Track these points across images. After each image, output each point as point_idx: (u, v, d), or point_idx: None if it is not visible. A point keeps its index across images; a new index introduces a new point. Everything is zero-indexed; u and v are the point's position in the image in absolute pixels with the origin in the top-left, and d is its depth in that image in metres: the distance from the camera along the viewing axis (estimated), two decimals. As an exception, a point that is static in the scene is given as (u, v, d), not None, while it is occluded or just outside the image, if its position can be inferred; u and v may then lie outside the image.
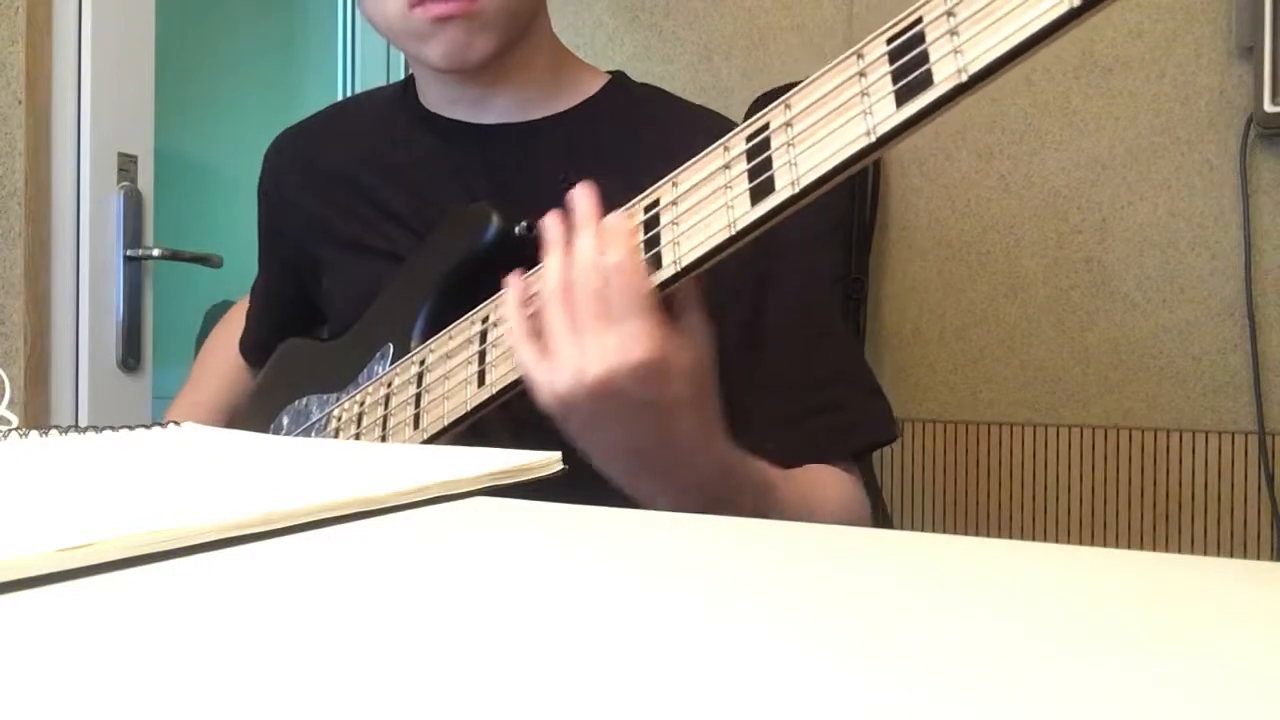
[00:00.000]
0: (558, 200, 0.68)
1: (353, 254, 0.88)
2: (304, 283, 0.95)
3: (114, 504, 0.38)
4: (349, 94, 2.26)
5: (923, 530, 1.81)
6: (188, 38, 1.92)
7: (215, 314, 1.18)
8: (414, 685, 0.21)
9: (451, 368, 0.70)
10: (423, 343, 0.73)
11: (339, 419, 0.78)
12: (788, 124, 0.55)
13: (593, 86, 0.87)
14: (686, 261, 0.58)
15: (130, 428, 0.58)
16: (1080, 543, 1.63)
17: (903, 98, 0.50)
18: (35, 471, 0.47)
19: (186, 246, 1.58)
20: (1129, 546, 1.70)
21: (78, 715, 0.20)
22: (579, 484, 0.48)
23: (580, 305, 0.59)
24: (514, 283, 0.65)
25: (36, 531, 0.31)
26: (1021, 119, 1.76)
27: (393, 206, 0.87)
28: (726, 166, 0.57)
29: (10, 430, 0.57)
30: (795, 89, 0.55)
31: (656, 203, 0.60)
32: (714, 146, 0.58)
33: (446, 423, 0.69)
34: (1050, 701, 0.20)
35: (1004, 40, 0.47)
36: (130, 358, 1.48)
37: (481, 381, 0.67)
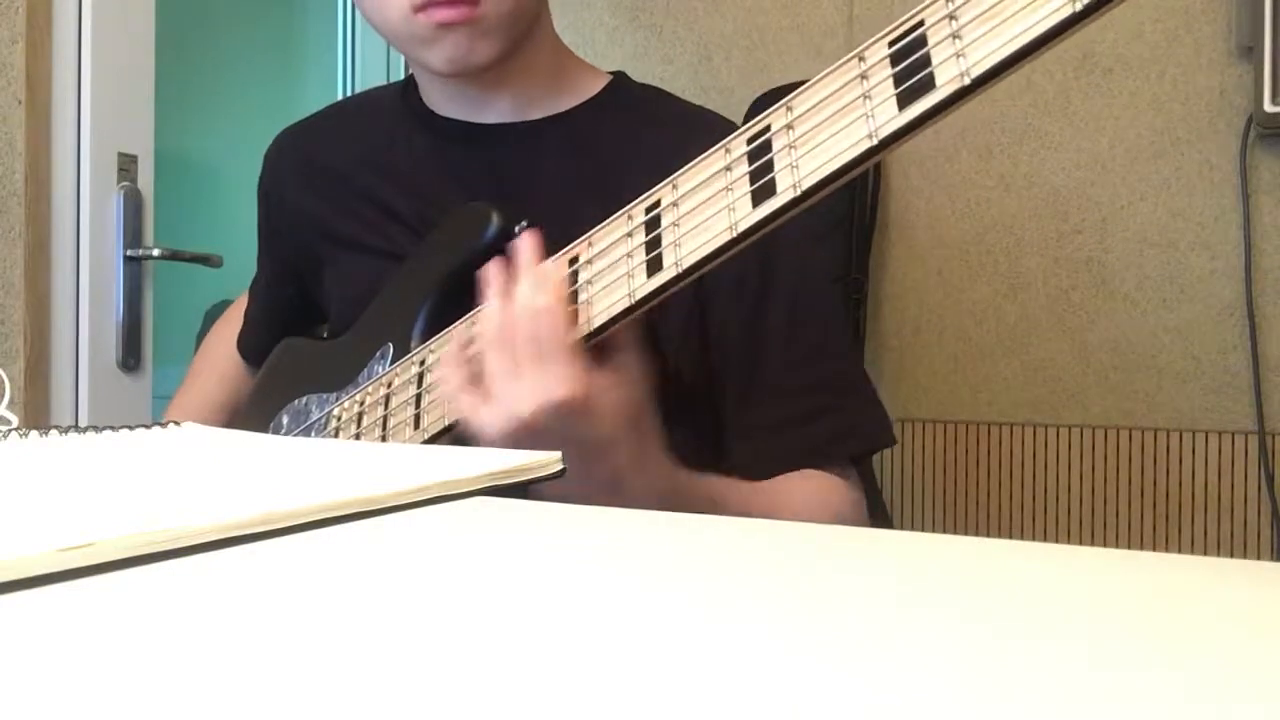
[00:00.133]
0: (559, 201, 0.68)
1: (353, 253, 0.88)
2: (304, 282, 0.95)
3: (114, 504, 0.38)
4: (349, 94, 2.26)
5: (923, 530, 1.82)
6: (188, 38, 1.92)
7: (215, 314, 1.18)
8: (414, 685, 0.21)
9: None
10: (423, 343, 0.73)
11: (339, 419, 0.78)
12: (789, 126, 0.55)
13: (594, 86, 0.87)
14: (688, 263, 0.58)
15: (130, 428, 0.58)
16: (1080, 543, 1.63)
17: (905, 101, 0.50)
18: (35, 471, 0.47)
19: (186, 246, 1.58)
20: (1129, 546, 1.70)
21: (78, 715, 0.20)
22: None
23: (517, 348, 0.62)
24: (455, 334, 0.69)
25: (37, 531, 0.31)
26: (1021, 119, 1.76)
27: (393, 206, 0.87)
28: (728, 168, 0.57)
29: (10, 430, 0.57)
30: (797, 91, 0.55)
31: (657, 204, 0.60)
32: (715, 148, 0.58)
33: (447, 422, 0.69)
34: (1050, 702, 0.20)
35: (1007, 44, 0.47)
36: (130, 358, 1.48)
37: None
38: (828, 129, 0.53)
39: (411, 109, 0.89)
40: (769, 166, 0.55)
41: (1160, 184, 1.69)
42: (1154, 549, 1.62)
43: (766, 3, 1.92)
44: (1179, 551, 1.63)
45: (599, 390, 0.61)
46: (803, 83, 0.55)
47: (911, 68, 0.50)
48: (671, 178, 0.60)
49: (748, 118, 0.58)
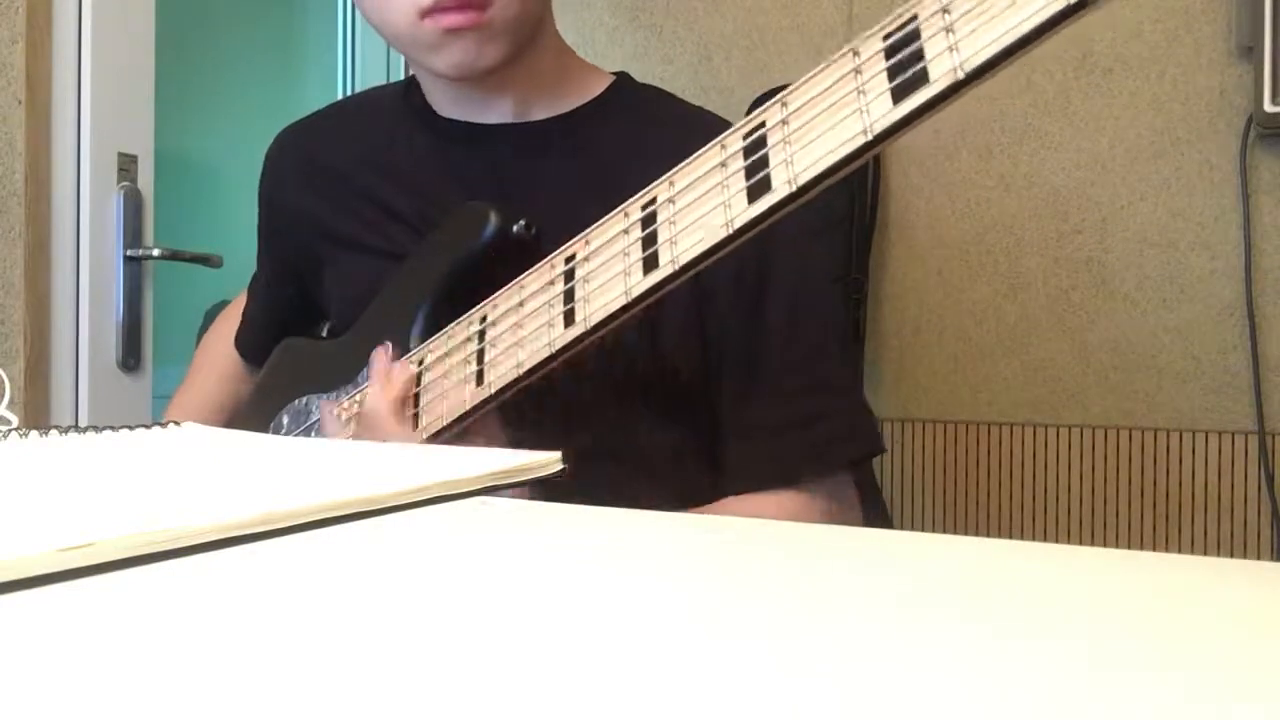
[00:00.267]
0: (560, 201, 0.68)
1: (353, 253, 0.88)
2: (303, 282, 0.95)
3: (114, 504, 0.38)
4: (349, 94, 2.26)
5: (923, 530, 1.81)
6: (188, 38, 1.92)
7: (215, 314, 1.18)
8: (414, 685, 0.21)
9: (450, 367, 0.70)
10: (422, 342, 0.73)
11: (338, 418, 0.78)
12: (784, 122, 0.55)
13: (597, 87, 0.87)
14: (684, 260, 0.58)
15: (130, 428, 0.58)
16: (1080, 543, 1.63)
17: (899, 95, 0.50)
18: (35, 471, 0.47)
19: (186, 246, 1.58)
20: (1129, 546, 1.70)
21: (78, 715, 0.20)
22: (579, 484, 0.48)
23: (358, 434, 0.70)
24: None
25: (37, 531, 0.31)
26: (1021, 119, 1.76)
27: (394, 206, 0.86)
28: (723, 165, 0.57)
29: (10, 430, 0.57)
30: (792, 86, 0.55)
31: (653, 201, 0.60)
32: (711, 145, 0.58)
33: (445, 422, 0.69)
34: (1050, 702, 0.20)
35: (1000, 37, 0.47)
36: (130, 358, 1.48)
37: (480, 380, 0.67)
38: (822, 124, 0.53)
39: (413, 109, 0.89)
40: (764, 162, 0.55)
41: (1160, 184, 1.69)
42: (1154, 549, 1.62)
43: (766, 3, 1.92)
44: (1179, 551, 1.63)
45: None
46: (802, 82, 0.55)
47: (905, 62, 0.50)
48: (668, 174, 0.60)
49: (747, 118, 0.58)
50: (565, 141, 0.83)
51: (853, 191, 1.75)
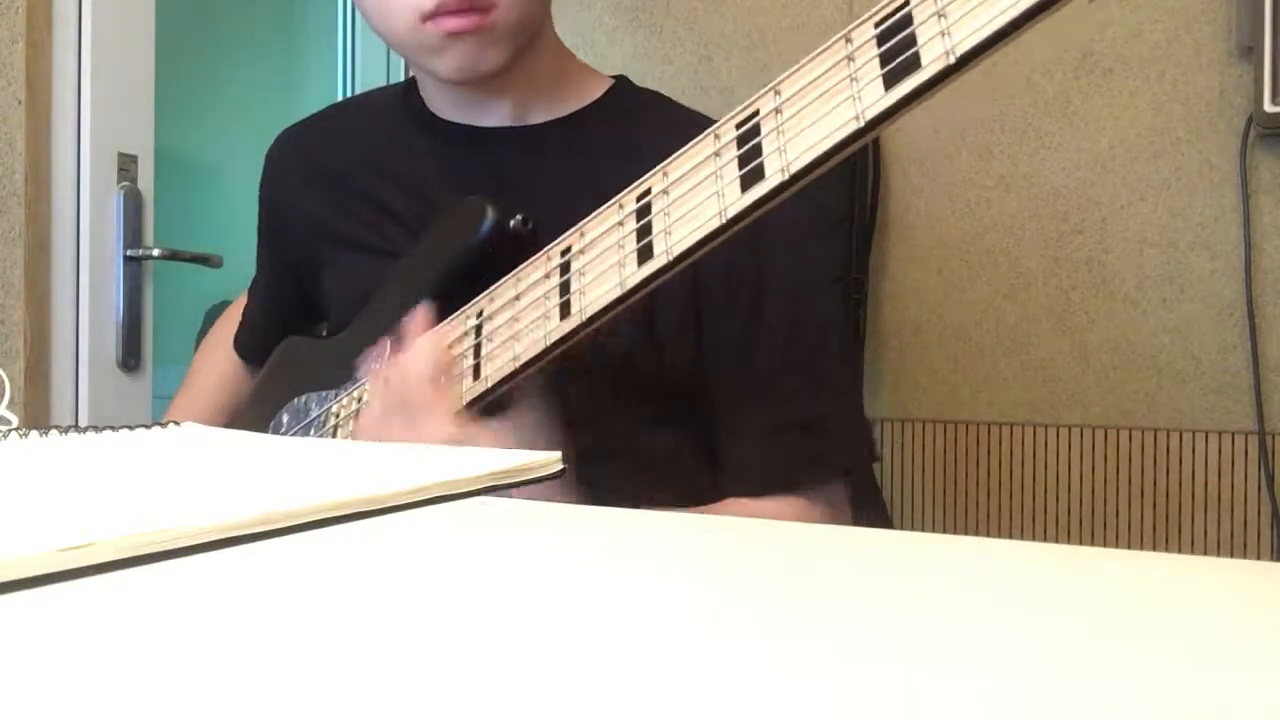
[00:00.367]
0: (558, 204, 0.68)
1: (352, 253, 0.88)
2: (303, 283, 0.95)
3: (114, 504, 0.38)
4: (349, 94, 2.26)
5: (923, 530, 1.81)
6: (188, 37, 1.92)
7: (215, 314, 1.18)
8: (414, 686, 0.21)
9: None
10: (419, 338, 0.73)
11: (338, 416, 0.78)
12: (777, 110, 0.55)
13: (596, 91, 0.87)
14: (678, 250, 0.58)
15: (130, 428, 0.58)
16: (1080, 543, 1.63)
17: (891, 81, 0.50)
18: (35, 471, 0.47)
19: (186, 246, 1.58)
20: (1129, 546, 1.70)
21: (78, 715, 0.20)
22: (579, 484, 0.48)
23: (391, 425, 0.67)
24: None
25: (36, 531, 0.31)
26: (1021, 119, 1.76)
27: (393, 206, 0.87)
28: (717, 154, 0.57)
29: (10, 430, 0.57)
30: (785, 74, 0.55)
31: (648, 192, 0.60)
32: (704, 134, 0.58)
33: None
34: (1049, 701, 0.20)
35: (991, 21, 0.47)
36: (130, 358, 1.48)
37: (477, 375, 0.67)
38: (815, 111, 0.53)
39: (412, 111, 0.89)
40: (757, 151, 0.55)
41: (1160, 184, 1.69)
42: (1154, 549, 1.62)
43: (766, 3, 1.92)
44: (1179, 551, 1.63)
45: (488, 444, 0.63)
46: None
47: (897, 47, 0.50)
48: (661, 165, 0.60)
49: (748, 118, 0.58)
50: (563, 144, 0.83)
51: (853, 191, 1.75)
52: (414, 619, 0.26)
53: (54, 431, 0.56)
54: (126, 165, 1.48)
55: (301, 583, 0.30)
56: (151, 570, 0.30)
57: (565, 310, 0.62)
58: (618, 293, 0.60)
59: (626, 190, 0.61)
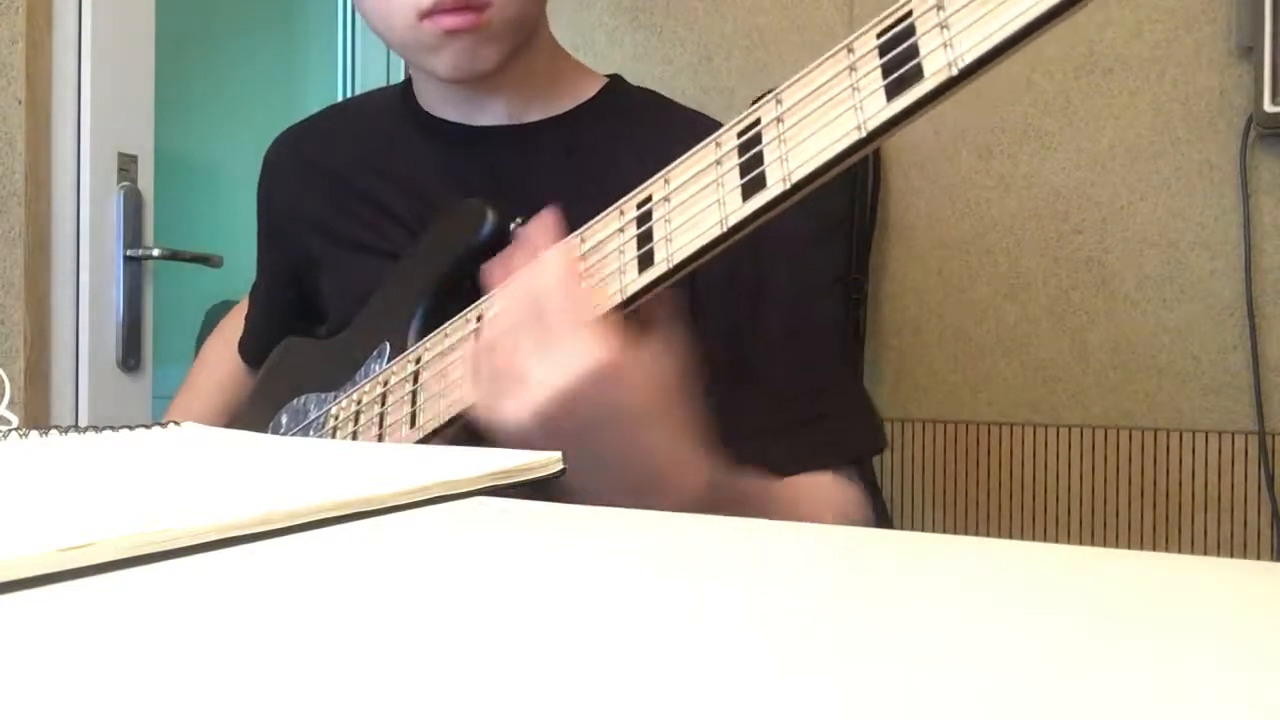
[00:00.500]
0: (555, 203, 0.68)
1: (351, 253, 0.88)
2: (302, 284, 0.95)
3: (114, 504, 0.38)
4: (349, 94, 2.26)
5: (922, 530, 1.82)
6: (188, 38, 1.92)
7: (215, 314, 1.18)
8: (414, 686, 0.21)
9: (447, 365, 0.69)
10: (419, 340, 0.73)
11: (336, 417, 0.78)
12: (779, 119, 0.55)
13: (590, 89, 0.87)
14: (679, 258, 0.58)
15: (130, 428, 0.58)
16: (1080, 543, 1.63)
17: (893, 91, 0.50)
18: (35, 471, 0.47)
19: (186, 246, 1.58)
20: (1129, 546, 1.70)
21: (78, 715, 0.20)
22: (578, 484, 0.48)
23: (542, 323, 0.59)
24: (482, 317, 0.66)
25: (36, 531, 0.31)
26: (1021, 119, 1.76)
27: (391, 207, 0.87)
28: (718, 163, 0.57)
29: (10, 430, 0.57)
30: (787, 83, 0.55)
31: (649, 199, 0.60)
32: (705, 143, 0.58)
33: (443, 420, 0.69)
34: (1049, 702, 0.20)
35: (995, 33, 0.47)
36: (130, 358, 1.48)
37: None
38: (816, 121, 0.53)
39: (410, 111, 0.89)
40: (759, 160, 0.55)
41: (1160, 184, 1.69)
42: (1154, 549, 1.62)
43: (766, 3, 1.92)
44: (1179, 551, 1.63)
45: (631, 359, 0.58)
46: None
47: (899, 58, 0.50)
48: (663, 172, 0.60)
49: (747, 118, 0.58)
50: (559, 143, 0.84)
51: (853, 192, 1.75)
52: (414, 619, 0.26)
53: (54, 431, 0.56)
54: (126, 165, 1.48)
55: (301, 583, 0.30)
56: (151, 570, 0.30)
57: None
58: (618, 299, 0.60)
59: (627, 197, 0.61)
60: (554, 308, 0.58)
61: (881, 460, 1.83)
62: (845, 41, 0.53)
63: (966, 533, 1.74)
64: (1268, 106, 1.57)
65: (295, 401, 0.84)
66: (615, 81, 0.89)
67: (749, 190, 0.55)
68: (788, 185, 0.54)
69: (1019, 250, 1.77)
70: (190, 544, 0.32)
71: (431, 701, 0.20)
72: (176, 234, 1.59)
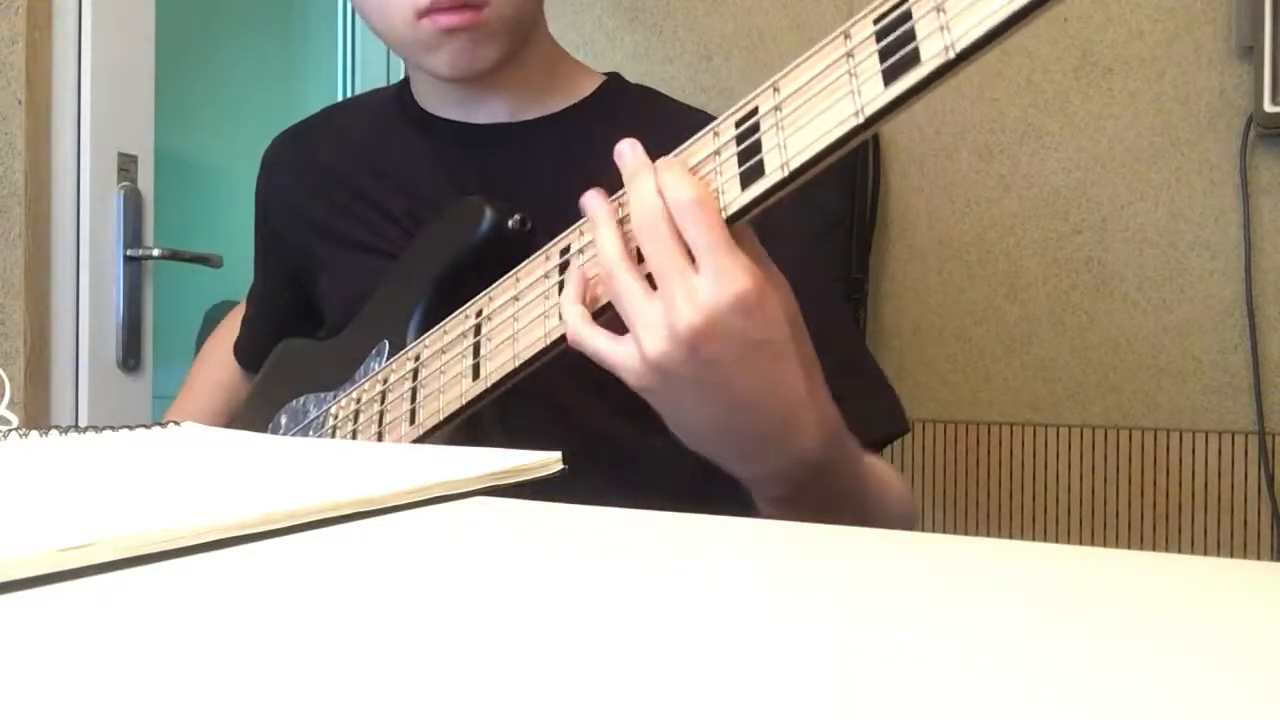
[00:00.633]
0: (551, 201, 0.68)
1: (349, 253, 0.88)
2: (301, 285, 0.95)
3: (114, 504, 0.38)
4: (349, 94, 2.26)
5: (922, 530, 1.81)
6: (188, 38, 1.92)
7: (215, 314, 1.18)
8: (414, 686, 0.21)
9: (446, 362, 0.69)
10: (418, 338, 0.73)
11: (336, 417, 0.78)
12: (776, 107, 0.55)
13: (588, 87, 0.87)
14: None
15: (130, 428, 0.58)
16: (1080, 543, 1.63)
17: (890, 76, 0.50)
18: (35, 471, 0.47)
19: (186, 246, 1.58)
20: (1129, 546, 1.70)
21: (78, 715, 0.20)
22: (579, 484, 0.48)
23: (654, 259, 0.54)
24: (575, 275, 0.60)
25: (36, 531, 0.31)
26: (1021, 119, 1.76)
27: (389, 206, 0.87)
28: (717, 152, 0.57)
29: (10, 430, 0.57)
30: (784, 71, 0.55)
31: None
32: (703, 132, 0.58)
33: (442, 417, 0.69)
34: (1049, 702, 0.20)
35: (990, 16, 0.47)
36: (130, 358, 1.48)
37: (477, 375, 0.67)
38: (814, 108, 0.53)
39: (407, 110, 0.89)
40: (757, 148, 0.55)
41: (1160, 184, 1.69)
42: (1154, 549, 1.62)
43: (766, 3, 1.92)
44: (1179, 551, 1.63)
45: (768, 282, 0.55)
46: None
47: (896, 43, 0.50)
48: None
49: (746, 118, 0.57)
50: (556, 141, 0.84)
51: (853, 192, 1.75)
52: (413, 619, 0.26)
53: (54, 431, 0.56)
54: (126, 165, 1.48)
55: (301, 583, 0.30)
56: (151, 570, 0.30)
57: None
58: None
59: (625, 189, 0.61)
60: (691, 224, 0.54)
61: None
62: (842, 28, 0.53)
63: (966, 532, 1.74)
64: (1268, 106, 1.57)
65: (294, 402, 0.84)
66: (613, 79, 0.89)
67: (748, 178, 0.55)
68: (786, 172, 0.53)
69: (1019, 250, 1.77)
70: (190, 544, 0.32)
71: (432, 701, 0.20)
72: (176, 234, 1.59)
